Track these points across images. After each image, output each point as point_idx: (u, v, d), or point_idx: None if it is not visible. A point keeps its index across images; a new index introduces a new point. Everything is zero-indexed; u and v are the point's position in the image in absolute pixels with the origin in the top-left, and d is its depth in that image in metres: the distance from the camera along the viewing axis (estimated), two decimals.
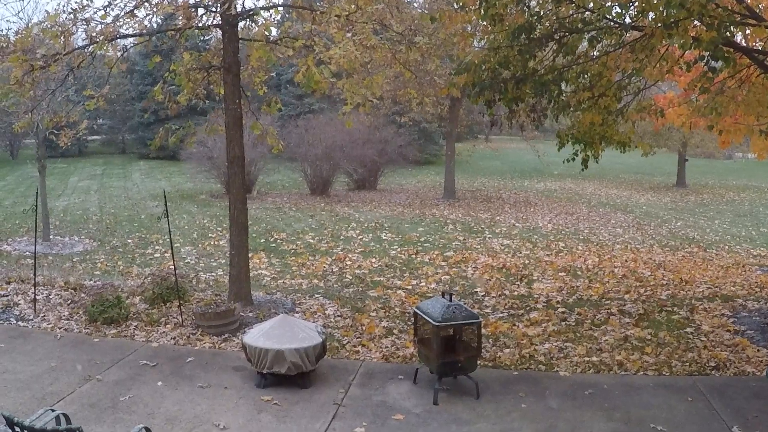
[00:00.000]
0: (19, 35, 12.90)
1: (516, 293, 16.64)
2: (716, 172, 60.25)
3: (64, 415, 7.45)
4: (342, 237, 24.80)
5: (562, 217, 32.16)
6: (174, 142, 16.17)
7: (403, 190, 42.45)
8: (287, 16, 18.37)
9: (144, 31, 13.64)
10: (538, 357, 11.84)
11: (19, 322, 13.46)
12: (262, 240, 23.78)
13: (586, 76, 12.48)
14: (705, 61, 10.57)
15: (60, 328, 13.04)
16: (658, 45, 10.53)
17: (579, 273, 19.28)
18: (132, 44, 15.74)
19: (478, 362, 10.54)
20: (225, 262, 18.30)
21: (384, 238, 24.76)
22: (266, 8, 13.90)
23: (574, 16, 11.73)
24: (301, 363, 10.16)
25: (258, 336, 10.45)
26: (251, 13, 13.90)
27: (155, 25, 15.96)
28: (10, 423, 6.71)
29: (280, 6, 14.44)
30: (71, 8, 12.58)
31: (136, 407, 9.61)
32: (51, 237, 23.43)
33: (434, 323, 9.84)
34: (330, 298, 15.72)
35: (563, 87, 12.53)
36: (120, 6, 12.79)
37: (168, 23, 14.96)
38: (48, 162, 26.22)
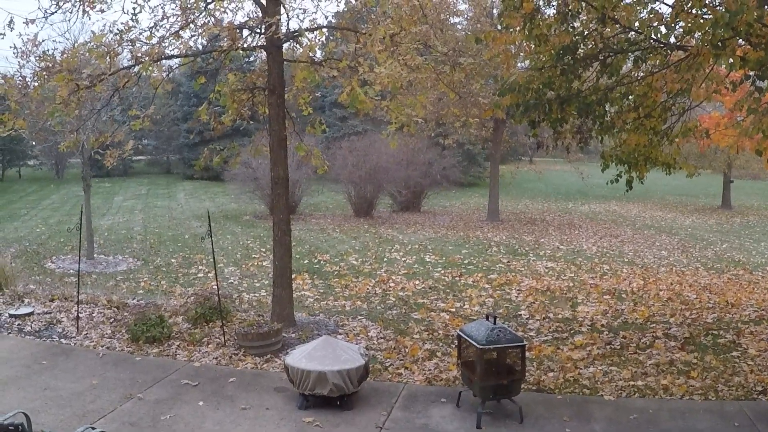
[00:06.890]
0: (65, 55, 13.07)
1: (560, 316, 16.47)
2: (762, 193, 59.66)
3: None
4: (385, 259, 24.76)
5: (606, 240, 31.92)
6: (218, 163, 16.31)
7: (446, 212, 42.41)
8: (331, 37, 18.45)
9: (189, 52, 13.76)
10: (583, 381, 11.68)
11: (62, 340, 13.55)
12: (306, 261, 23.80)
13: (630, 96, 12.39)
14: (751, 80, 10.45)
15: (102, 346, 13.10)
16: (705, 65, 10.43)
17: (624, 296, 19.05)
18: (177, 65, 15.88)
19: (522, 386, 10.42)
20: (268, 283, 18.33)
21: (427, 260, 24.68)
22: (311, 30, 13.94)
23: (619, 36, 11.67)
24: (343, 385, 10.10)
25: (300, 357, 10.40)
26: (296, 34, 13.95)
27: (200, 46, 16.06)
28: None
29: (324, 27, 14.48)
30: (117, 29, 12.73)
31: (176, 426, 9.60)
32: (95, 255, 23.63)
33: (478, 346, 9.74)
34: (373, 319, 15.64)
35: (607, 108, 12.46)
36: (165, 27, 12.93)
37: (213, 44, 15.06)
38: (93, 181, 26.55)
